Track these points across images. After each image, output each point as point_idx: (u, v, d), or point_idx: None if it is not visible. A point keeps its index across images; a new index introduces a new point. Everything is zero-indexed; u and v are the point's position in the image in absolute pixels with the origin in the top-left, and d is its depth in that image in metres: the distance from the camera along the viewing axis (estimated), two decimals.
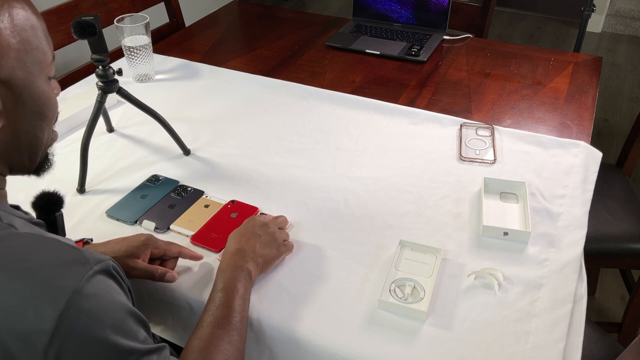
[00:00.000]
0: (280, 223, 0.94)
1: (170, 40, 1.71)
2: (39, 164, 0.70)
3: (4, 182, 0.67)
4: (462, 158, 1.15)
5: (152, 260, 0.88)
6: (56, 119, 0.70)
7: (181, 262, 0.91)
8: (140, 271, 0.83)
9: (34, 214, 0.71)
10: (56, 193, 0.72)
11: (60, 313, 0.52)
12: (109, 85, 1.06)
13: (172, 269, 0.88)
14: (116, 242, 0.86)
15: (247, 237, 0.87)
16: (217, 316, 0.75)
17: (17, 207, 0.66)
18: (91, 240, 0.91)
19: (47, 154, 0.71)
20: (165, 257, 0.89)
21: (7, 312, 0.52)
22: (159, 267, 0.85)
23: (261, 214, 1.01)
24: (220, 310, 0.75)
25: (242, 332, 0.76)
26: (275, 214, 1.00)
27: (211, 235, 0.96)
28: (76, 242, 0.86)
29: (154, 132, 1.25)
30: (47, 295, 0.53)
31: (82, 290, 0.54)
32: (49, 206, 0.71)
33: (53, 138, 0.71)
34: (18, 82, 0.61)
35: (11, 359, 0.52)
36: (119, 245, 0.84)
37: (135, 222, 1.00)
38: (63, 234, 0.73)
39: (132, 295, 0.67)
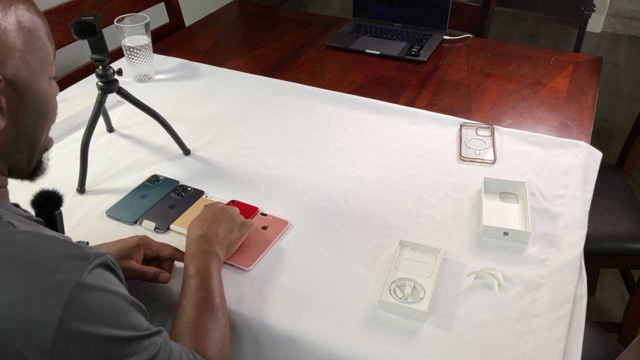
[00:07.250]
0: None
1: (170, 40, 1.71)
2: (34, 168, 0.71)
3: (5, 180, 0.67)
4: (462, 158, 1.15)
5: (149, 261, 0.88)
6: (54, 120, 0.71)
7: (181, 263, 0.91)
8: (134, 272, 0.84)
9: (33, 213, 0.71)
10: (55, 191, 0.72)
11: (64, 305, 0.52)
12: (109, 85, 1.06)
13: (170, 269, 0.88)
14: (109, 244, 0.86)
15: (209, 222, 0.88)
16: (197, 299, 0.77)
17: (16, 205, 0.66)
18: (87, 243, 0.91)
19: (41, 159, 0.72)
20: (159, 257, 0.89)
21: (11, 307, 0.52)
22: (152, 267, 0.86)
23: (261, 214, 1.01)
24: (199, 293, 0.77)
25: (224, 310, 0.78)
26: (275, 214, 1.00)
27: None
28: None
29: (154, 132, 1.25)
30: (50, 288, 0.53)
31: (84, 282, 0.54)
32: (48, 204, 0.71)
33: (49, 144, 0.72)
34: (22, 82, 0.62)
35: (18, 355, 0.52)
36: (112, 247, 0.85)
37: (135, 222, 1.00)
38: (62, 232, 0.74)
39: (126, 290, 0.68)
